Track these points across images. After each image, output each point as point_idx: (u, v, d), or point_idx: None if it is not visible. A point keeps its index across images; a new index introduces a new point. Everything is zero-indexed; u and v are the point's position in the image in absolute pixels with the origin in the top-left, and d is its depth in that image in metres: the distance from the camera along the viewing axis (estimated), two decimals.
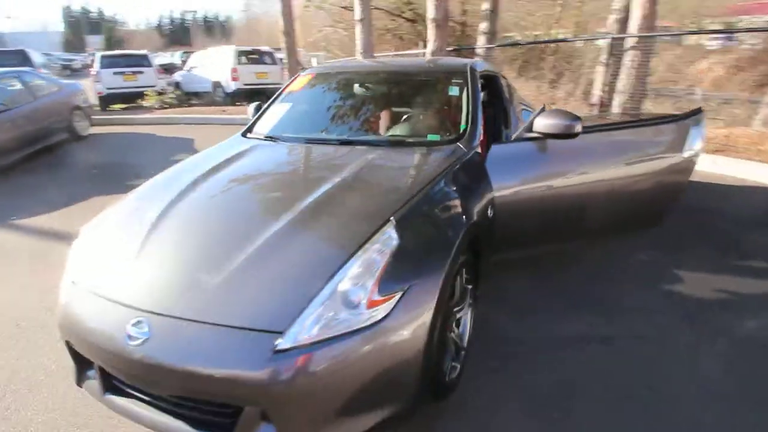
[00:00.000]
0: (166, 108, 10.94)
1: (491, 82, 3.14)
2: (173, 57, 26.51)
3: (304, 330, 1.39)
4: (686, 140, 2.60)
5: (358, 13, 8.57)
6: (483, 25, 8.58)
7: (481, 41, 8.65)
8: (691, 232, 3.45)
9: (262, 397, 1.37)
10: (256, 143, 2.67)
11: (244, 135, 2.86)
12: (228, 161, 2.39)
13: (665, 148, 2.61)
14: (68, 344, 1.72)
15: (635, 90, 6.23)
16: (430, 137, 2.46)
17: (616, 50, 7.38)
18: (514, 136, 2.46)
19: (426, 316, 1.51)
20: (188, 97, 12.64)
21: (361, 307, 1.43)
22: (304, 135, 2.67)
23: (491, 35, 8.60)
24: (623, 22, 7.49)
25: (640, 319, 2.40)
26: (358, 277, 1.48)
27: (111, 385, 1.67)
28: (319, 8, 14.81)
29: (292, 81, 3.21)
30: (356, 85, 3.01)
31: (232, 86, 12.24)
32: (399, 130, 2.62)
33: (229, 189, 2.15)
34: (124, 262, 1.72)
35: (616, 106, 6.44)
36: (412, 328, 1.49)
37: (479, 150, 2.39)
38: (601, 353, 2.15)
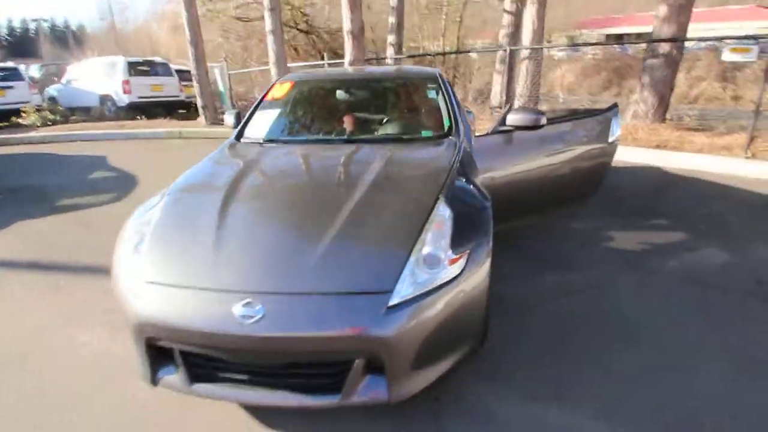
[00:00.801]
0: (50, 125, 9.79)
1: None
2: (29, 70, 23.37)
3: (404, 288, 1.66)
4: (610, 129, 3.33)
5: (269, 24, 8.66)
6: (390, 37, 9.22)
7: (389, 52, 9.28)
8: (601, 204, 4.28)
9: (382, 348, 1.61)
10: (266, 145, 2.81)
11: (237, 139, 2.96)
12: (254, 161, 2.52)
13: (597, 136, 3.31)
14: (148, 344, 1.76)
15: (531, 93, 7.30)
16: (424, 133, 2.84)
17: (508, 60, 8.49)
18: (491, 130, 2.94)
19: (485, 268, 1.87)
20: (71, 113, 11.41)
21: (442, 266, 1.74)
22: (304, 137, 2.87)
23: (398, 46, 9.28)
24: (512, 36, 8.67)
25: (594, 271, 3.03)
26: (434, 242, 1.79)
27: (197, 374, 1.75)
28: (216, 17, 14.31)
29: (271, 88, 3.35)
30: (341, 91, 3.27)
31: (124, 99, 11.36)
32: (391, 129, 2.96)
33: (279, 182, 2.31)
34: (206, 255, 1.81)
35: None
36: (479, 278, 1.84)
37: (464, 142, 2.83)
38: (576, 300, 2.71)
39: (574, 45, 15.52)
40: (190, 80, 14.18)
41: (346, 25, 7.71)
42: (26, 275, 3.23)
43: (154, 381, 1.82)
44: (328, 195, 2.16)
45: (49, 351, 2.36)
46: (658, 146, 5.68)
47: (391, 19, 8.91)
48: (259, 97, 3.30)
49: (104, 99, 11.59)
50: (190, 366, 1.76)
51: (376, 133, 2.96)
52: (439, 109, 3.02)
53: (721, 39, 4.93)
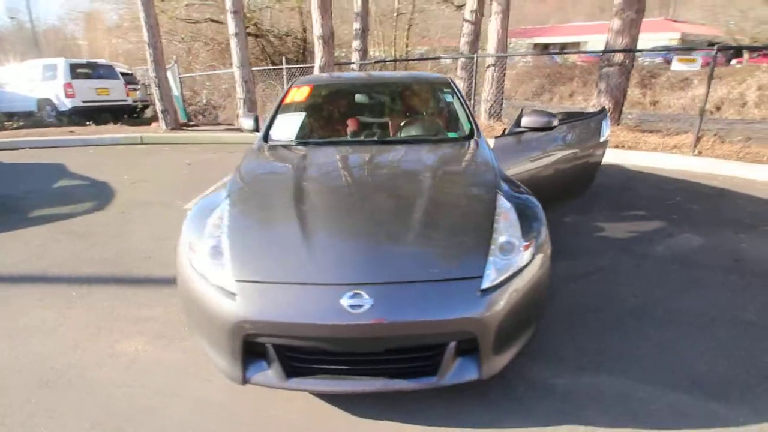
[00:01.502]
0: None
1: None
2: None
3: (491, 273, 1.83)
4: (601, 130, 3.70)
5: (232, 27, 8.53)
6: (355, 43, 9.35)
7: (354, 57, 9.40)
8: (581, 200, 4.69)
9: (477, 328, 1.76)
10: (301, 147, 2.87)
11: (265, 141, 2.99)
12: (303, 160, 2.61)
13: (591, 136, 3.66)
14: (246, 341, 1.79)
15: (496, 98, 7.74)
16: (450, 135, 3.02)
17: (468, 67, 8.93)
18: (507, 131, 3.18)
19: (548, 253, 2.08)
20: (6, 118, 10.46)
21: (517, 251, 1.93)
22: (335, 138, 2.96)
23: (363, 52, 9.43)
24: (472, 44, 9.11)
25: (595, 257, 3.36)
26: (506, 231, 1.98)
27: (291, 369, 1.81)
28: (172, 18, 13.70)
29: (288, 92, 3.39)
30: (361, 94, 3.38)
31: (66, 104, 10.63)
32: (416, 131, 3.11)
33: (340, 180, 2.41)
34: (298, 251, 1.87)
35: (483, 112, 7.90)
36: (545, 263, 2.04)
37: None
38: (588, 282, 3.00)
39: (535, 53, 16.52)
40: (135, 83, 13.54)
41: (317, 30, 7.76)
42: (31, 289, 3.04)
43: (245, 380, 1.85)
44: (395, 191, 2.28)
45: (96, 365, 2.27)
46: (617, 146, 6.26)
47: (356, 25, 9.05)
48: (277, 102, 3.34)
49: (43, 104, 10.76)
50: (285, 361, 1.81)
51: (402, 134, 3.10)
52: (456, 112, 3.22)
53: (667, 50, 5.52)
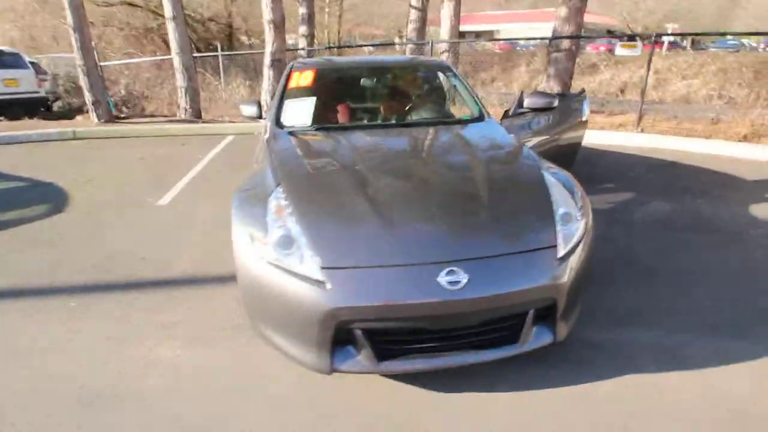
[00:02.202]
0: None
1: None
2: None
3: (561, 242, 1.94)
4: (582, 108, 3.97)
5: (169, 11, 7.95)
6: (302, 29, 9.09)
7: (302, 43, 9.14)
8: None
9: (558, 293, 1.87)
10: (324, 132, 2.81)
11: (280, 128, 2.87)
12: (338, 144, 2.57)
13: (574, 115, 3.92)
14: (338, 329, 1.75)
15: None
16: (464, 117, 3.09)
17: (418, 53, 9.06)
18: (511, 112, 3.32)
19: (592, 221, 2.23)
20: None
21: (575, 221, 2.05)
22: (356, 122, 2.92)
23: (311, 37, 9.20)
24: (420, 30, 9.23)
25: None
26: (564, 204, 2.09)
27: (383, 352, 1.81)
28: None
29: (290, 77, 3.25)
30: (367, 78, 3.33)
31: None
32: (431, 113, 3.14)
33: (390, 163, 2.41)
34: (380, 233, 1.86)
35: None
36: (592, 230, 2.19)
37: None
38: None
39: (492, 40, 17.03)
40: (44, 74, 12.07)
41: (267, 15, 7.43)
42: (11, 305, 2.68)
43: (333, 369, 1.81)
44: (448, 172, 2.31)
45: (140, 376, 2.09)
46: None
47: (302, 10, 8.79)
48: (281, 86, 3.20)
49: None
50: (376, 345, 1.80)
51: (417, 116, 3.12)
52: (462, 95, 3.29)
53: (610, 37, 5.98)
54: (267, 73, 7.83)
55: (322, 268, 1.76)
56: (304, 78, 3.23)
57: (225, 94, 10.67)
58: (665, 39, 19.91)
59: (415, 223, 1.93)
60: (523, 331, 1.89)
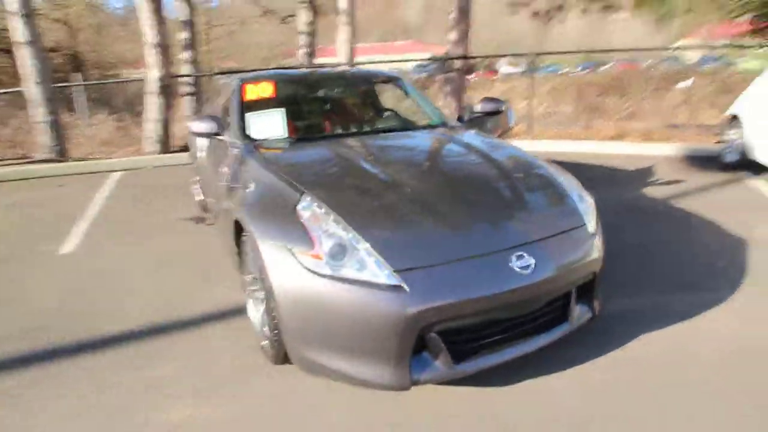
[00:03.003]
0: None
1: None
2: None
3: (587, 220, 2.09)
4: (510, 116, 4.35)
5: (24, 35, 6.76)
6: (185, 54, 8.44)
7: (185, 69, 8.47)
8: None
9: (598, 267, 2.00)
10: (308, 143, 2.68)
11: (254, 146, 2.62)
12: (339, 154, 2.45)
13: (504, 122, 4.27)
14: (420, 335, 1.62)
15: None
16: (432, 122, 3.15)
17: None
18: (466, 117, 3.49)
19: None
20: None
21: (585, 200, 2.22)
22: (334, 131, 2.82)
23: (194, 63, 8.59)
24: (311, 55, 9.25)
25: None
26: (571, 186, 2.26)
27: (457, 353, 1.73)
28: None
29: (243, 90, 2.98)
30: (327, 90, 3.22)
31: None
32: (397, 122, 3.16)
33: (404, 165, 2.35)
34: (440, 230, 1.80)
35: None
36: None
37: None
38: None
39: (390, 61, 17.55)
40: None
41: (151, 37, 6.75)
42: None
43: (413, 382, 1.67)
44: (458, 169, 2.33)
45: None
46: None
47: (184, 35, 8.18)
48: (234, 101, 2.93)
49: None
50: (451, 347, 1.71)
51: (387, 124, 3.11)
52: (420, 103, 3.37)
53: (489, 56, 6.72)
54: (154, 101, 7.08)
55: (395, 271, 1.63)
56: (261, 90, 3.00)
57: (89, 129, 9.33)
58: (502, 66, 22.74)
59: (467, 216, 1.91)
60: (570, 310, 1.97)
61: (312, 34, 9.19)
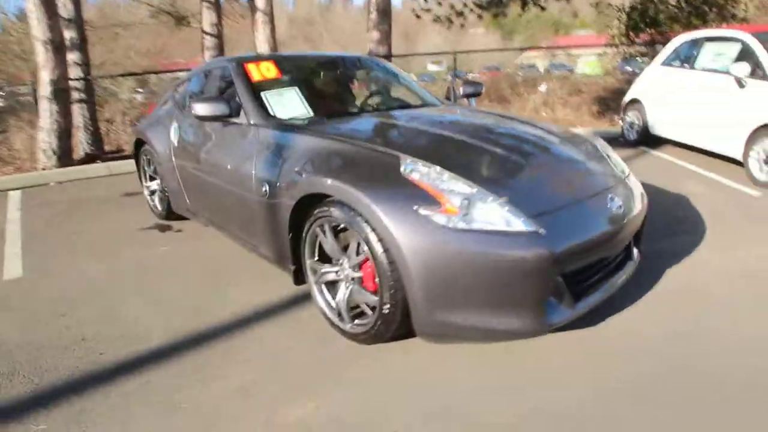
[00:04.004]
0: None
1: None
2: None
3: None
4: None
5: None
6: (73, 56, 7.28)
7: (75, 72, 7.30)
8: None
9: (647, 213, 2.26)
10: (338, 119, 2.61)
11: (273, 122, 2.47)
12: (384, 126, 2.46)
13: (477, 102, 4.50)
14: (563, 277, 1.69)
15: None
16: (432, 101, 3.22)
17: None
18: (452, 98, 3.63)
19: None
20: None
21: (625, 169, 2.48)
22: (347, 109, 2.82)
23: (86, 66, 7.48)
24: (218, 57, 8.68)
25: None
26: (604, 146, 2.51)
27: (576, 292, 1.83)
28: None
29: (246, 70, 2.74)
30: (328, 70, 3.11)
31: None
32: (403, 100, 3.16)
33: (462, 130, 2.38)
34: (543, 177, 1.97)
35: None
36: None
37: None
38: None
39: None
40: None
41: (41, 33, 5.73)
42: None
43: (549, 326, 1.73)
44: (514, 130, 2.43)
45: None
46: None
47: (70, 34, 7.07)
48: (239, 83, 2.69)
49: None
50: (571, 288, 1.80)
51: (397, 102, 3.12)
52: (411, 85, 3.43)
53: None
54: (47, 107, 6.02)
55: (529, 217, 1.66)
56: (265, 70, 2.78)
57: None
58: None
59: (557, 166, 2.03)
60: (632, 250, 2.19)
61: (219, 36, 8.64)
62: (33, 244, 3.45)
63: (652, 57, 6.99)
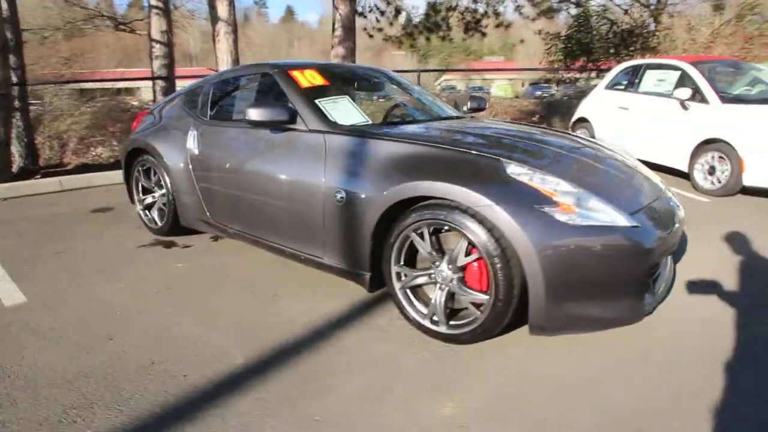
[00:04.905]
0: None
1: None
2: None
3: None
4: None
5: None
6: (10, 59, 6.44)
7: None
8: None
9: None
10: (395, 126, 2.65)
11: (350, 129, 2.45)
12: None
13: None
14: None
15: None
16: (453, 114, 3.37)
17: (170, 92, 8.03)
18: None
19: None
20: None
21: None
22: (398, 119, 2.85)
23: (21, 71, 6.67)
24: (169, 67, 8.18)
25: None
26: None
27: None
28: None
29: (292, 77, 2.69)
30: (364, 80, 3.11)
31: None
32: (436, 112, 3.25)
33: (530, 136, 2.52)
34: (621, 181, 2.14)
35: None
36: None
37: None
38: None
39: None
40: None
41: None
42: None
43: (646, 312, 1.91)
44: (562, 140, 2.60)
45: None
46: None
47: (7, 35, 6.26)
48: (291, 89, 2.64)
49: None
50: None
51: (433, 113, 3.21)
52: (430, 98, 3.56)
53: None
54: None
55: (630, 214, 1.84)
56: (311, 77, 2.75)
57: None
58: None
59: (624, 171, 2.28)
60: None
61: (169, 45, 8.18)
62: (18, 267, 3.02)
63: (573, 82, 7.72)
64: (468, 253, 1.92)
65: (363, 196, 2.16)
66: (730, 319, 2.22)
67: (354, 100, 2.79)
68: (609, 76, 6.75)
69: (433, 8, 10.08)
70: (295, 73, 2.74)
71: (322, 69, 2.92)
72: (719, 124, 4.83)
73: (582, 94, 9.12)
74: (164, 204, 3.45)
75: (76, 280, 2.81)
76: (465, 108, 3.68)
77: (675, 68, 5.62)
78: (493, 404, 1.67)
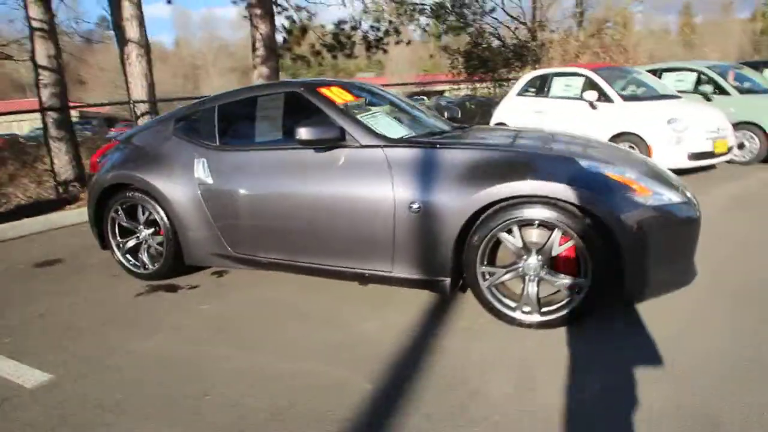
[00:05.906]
0: None
1: None
2: None
3: None
4: None
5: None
6: None
7: None
8: None
9: None
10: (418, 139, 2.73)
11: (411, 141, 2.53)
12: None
13: None
14: None
15: None
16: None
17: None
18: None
19: None
20: None
21: None
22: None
23: None
24: (60, 96, 7.15)
25: None
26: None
27: None
28: None
29: (323, 95, 2.65)
30: (373, 96, 3.14)
31: None
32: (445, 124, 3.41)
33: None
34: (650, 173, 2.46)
35: None
36: None
37: None
38: None
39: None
40: None
41: None
42: None
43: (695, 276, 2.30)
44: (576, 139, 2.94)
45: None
46: None
47: None
48: (326, 104, 2.61)
49: None
50: None
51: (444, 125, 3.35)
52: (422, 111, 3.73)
53: None
54: None
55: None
56: (341, 93, 2.74)
57: None
58: None
59: (648, 162, 2.65)
60: None
61: (60, 70, 7.18)
62: (11, 338, 2.47)
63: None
64: (561, 244, 2.13)
65: (443, 203, 2.24)
66: None
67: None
68: (518, 85, 7.59)
69: (338, 28, 10.34)
70: (325, 91, 2.71)
71: (344, 86, 2.91)
72: (626, 119, 5.78)
73: (484, 103, 10.11)
74: (159, 244, 3.09)
75: (95, 344, 2.40)
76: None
77: (579, 75, 6.57)
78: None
